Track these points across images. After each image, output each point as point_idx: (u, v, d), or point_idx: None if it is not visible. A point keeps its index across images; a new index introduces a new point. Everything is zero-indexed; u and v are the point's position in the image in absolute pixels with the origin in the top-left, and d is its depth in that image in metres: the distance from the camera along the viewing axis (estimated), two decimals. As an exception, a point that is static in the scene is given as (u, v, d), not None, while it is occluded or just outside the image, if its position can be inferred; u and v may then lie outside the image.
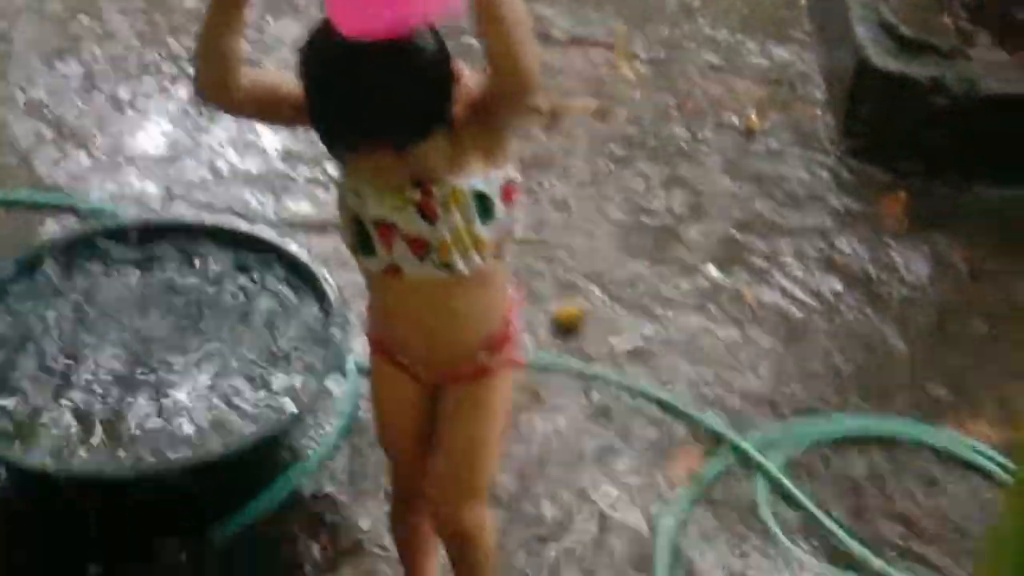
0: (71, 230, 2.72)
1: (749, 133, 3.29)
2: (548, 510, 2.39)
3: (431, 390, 1.91)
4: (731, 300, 2.82)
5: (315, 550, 2.23)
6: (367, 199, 1.72)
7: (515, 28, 1.58)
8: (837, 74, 3.33)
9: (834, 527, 2.34)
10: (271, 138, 3.26)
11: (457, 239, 1.70)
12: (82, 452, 2.24)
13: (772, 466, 2.45)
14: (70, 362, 2.37)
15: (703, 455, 2.50)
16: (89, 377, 2.35)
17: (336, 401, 2.45)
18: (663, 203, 3.07)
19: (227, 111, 1.82)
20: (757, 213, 3.03)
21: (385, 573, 2.19)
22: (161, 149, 3.26)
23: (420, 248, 1.71)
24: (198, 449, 2.21)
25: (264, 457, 2.32)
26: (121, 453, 2.24)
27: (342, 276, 2.36)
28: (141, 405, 2.31)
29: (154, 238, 2.59)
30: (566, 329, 2.73)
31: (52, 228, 2.90)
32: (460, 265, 1.71)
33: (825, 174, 3.15)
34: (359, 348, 2.30)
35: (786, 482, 2.42)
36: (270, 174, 3.12)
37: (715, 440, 2.52)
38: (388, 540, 2.13)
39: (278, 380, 2.29)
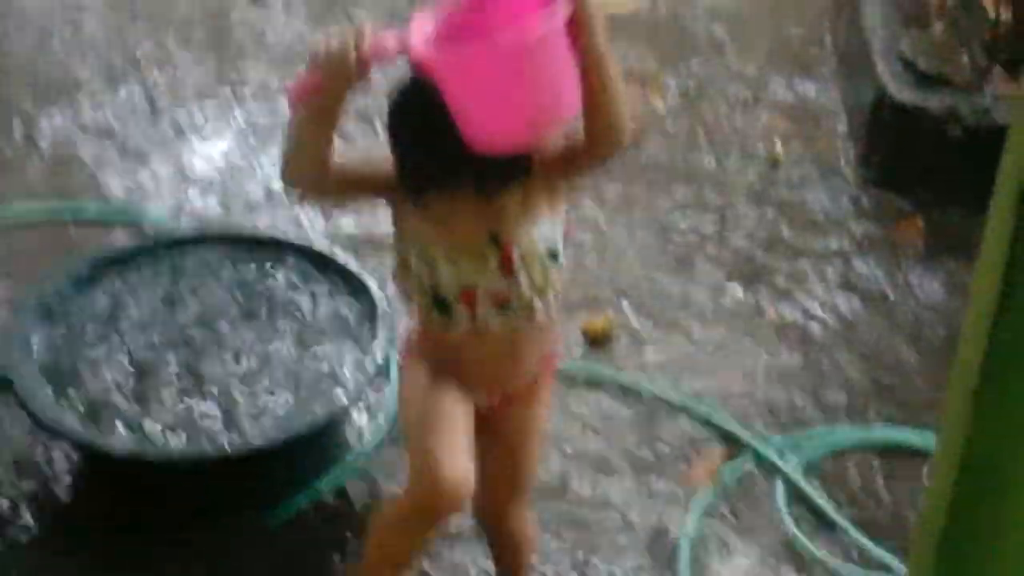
0: (138, 240, 2.77)
1: (774, 163, 3.31)
2: (576, 508, 2.40)
3: (476, 412, 1.88)
4: (754, 316, 2.84)
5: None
6: (441, 268, 1.72)
7: (617, 86, 1.60)
8: (858, 107, 3.34)
9: (851, 528, 2.35)
10: None
11: (534, 287, 1.72)
12: (150, 437, 2.25)
13: (790, 470, 2.44)
14: (142, 356, 2.38)
15: (726, 455, 2.50)
16: (160, 369, 2.36)
17: (386, 398, 2.47)
18: (686, 224, 3.10)
19: (315, 201, 1.87)
20: (780, 237, 3.06)
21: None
22: (218, 169, 3.29)
23: (502, 302, 1.73)
24: (254, 437, 2.22)
25: (316, 447, 2.32)
26: (184, 439, 2.24)
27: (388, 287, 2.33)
28: (206, 398, 2.32)
29: (209, 247, 2.60)
30: (596, 341, 2.75)
31: (120, 239, 2.93)
32: (540, 309, 1.74)
33: (845, 201, 3.16)
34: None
35: (804, 485, 2.43)
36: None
37: (737, 445, 2.51)
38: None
39: (328, 377, 2.31)
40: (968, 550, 0.99)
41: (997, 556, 0.97)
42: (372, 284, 2.45)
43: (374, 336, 2.35)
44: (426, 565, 2.21)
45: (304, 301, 2.50)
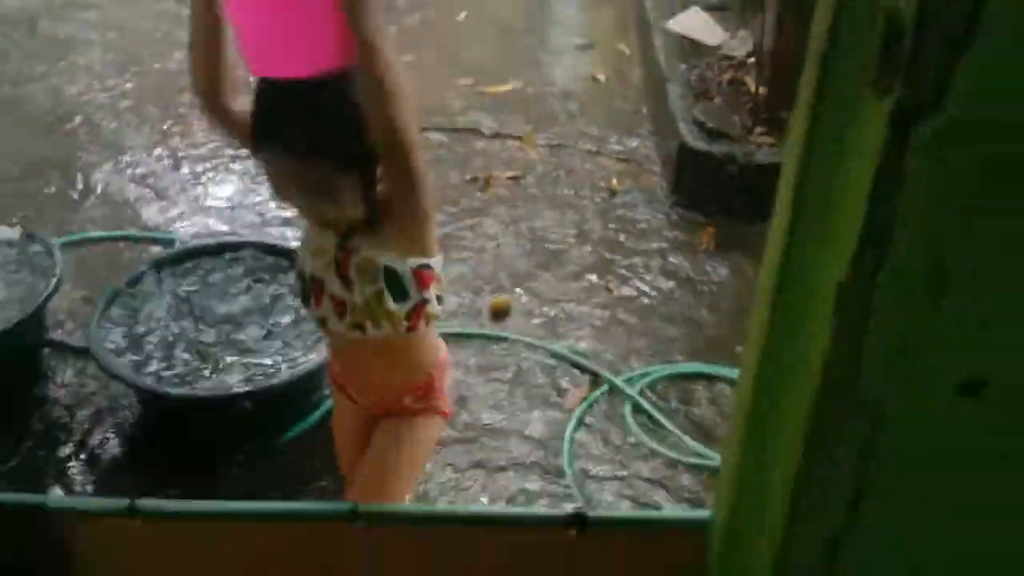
0: (170, 251, 2.72)
1: (612, 193, 3.34)
2: (488, 426, 2.40)
3: (370, 419, 1.63)
4: (605, 294, 2.87)
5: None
6: (307, 256, 1.48)
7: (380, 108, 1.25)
8: (668, 154, 3.38)
9: (674, 429, 2.38)
10: None
11: (367, 307, 1.41)
12: (189, 384, 2.22)
13: (634, 393, 2.49)
14: (181, 330, 2.35)
15: (591, 387, 2.53)
16: (194, 337, 2.34)
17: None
18: (556, 235, 3.13)
19: (221, 128, 1.43)
20: (619, 241, 3.09)
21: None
22: (224, 203, 3.26)
23: (340, 308, 1.44)
24: (267, 384, 2.17)
25: (308, 390, 2.31)
26: (214, 386, 2.21)
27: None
28: (232, 357, 2.29)
29: (224, 253, 2.56)
30: (499, 315, 2.77)
31: (156, 253, 2.91)
32: (371, 330, 1.43)
33: (661, 217, 3.21)
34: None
35: (642, 403, 2.46)
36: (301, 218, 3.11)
37: (596, 379, 2.55)
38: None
39: (318, 340, 2.22)
40: (760, 430, 0.98)
41: (778, 428, 0.95)
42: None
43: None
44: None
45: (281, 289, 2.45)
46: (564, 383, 2.56)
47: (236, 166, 3.44)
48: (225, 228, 3.10)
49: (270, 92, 1.30)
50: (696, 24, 3.81)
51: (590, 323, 2.76)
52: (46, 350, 2.54)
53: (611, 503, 2.20)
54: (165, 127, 3.66)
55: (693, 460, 2.32)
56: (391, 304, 1.40)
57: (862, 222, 0.74)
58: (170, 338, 2.35)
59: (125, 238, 3.05)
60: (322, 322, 1.50)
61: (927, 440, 0.88)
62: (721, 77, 3.50)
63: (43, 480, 2.21)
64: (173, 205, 3.24)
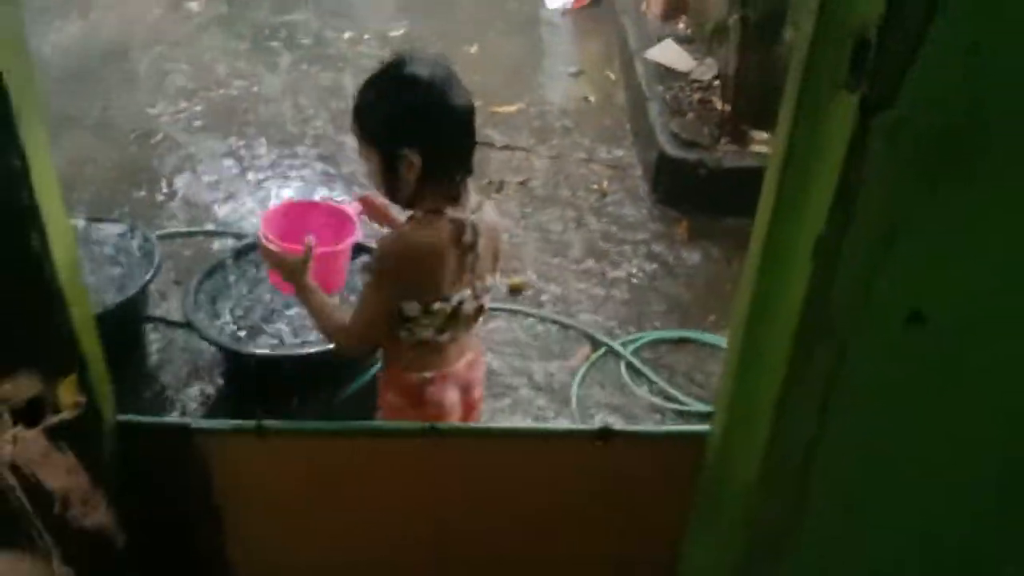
0: (238, 245, 2.73)
1: (603, 194, 3.37)
2: (506, 379, 2.46)
3: None
4: (601, 276, 2.92)
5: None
6: None
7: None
8: (648, 161, 3.40)
9: (661, 382, 2.44)
10: (342, 199, 3.26)
11: None
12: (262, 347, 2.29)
13: (628, 354, 2.55)
14: (255, 304, 2.42)
15: (592, 350, 2.59)
16: (264, 310, 2.41)
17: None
18: (559, 228, 3.16)
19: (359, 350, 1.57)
20: (611, 232, 3.14)
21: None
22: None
23: None
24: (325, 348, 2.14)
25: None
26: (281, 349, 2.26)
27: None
28: (293, 328, 2.38)
29: None
30: (515, 291, 2.82)
31: (229, 243, 2.96)
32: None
33: (644, 213, 3.24)
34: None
35: (635, 361, 2.52)
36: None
37: (596, 343, 2.60)
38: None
39: None
40: (750, 357, 1.04)
41: (765, 354, 1.01)
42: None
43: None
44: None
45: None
46: (570, 346, 2.61)
47: (293, 173, 3.48)
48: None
49: None
50: (670, 54, 3.87)
51: (589, 298, 2.80)
52: (147, 325, 2.61)
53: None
54: (231, 142, 3.69)
55: (674, 406, 2.38)
56: None
57: (835, 187, 0.83)
58: (246, 311, 2.43)
59: (204, 233, 3.10)
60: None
61: (880, 361, 0.96)
62: (692, 97, 3.54)
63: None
64: (242, 205, 3.28)
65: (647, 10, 4.42)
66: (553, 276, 2.93)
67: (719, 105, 3.40)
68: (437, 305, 1.38)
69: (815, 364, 0.97)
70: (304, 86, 4.17)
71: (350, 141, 3.58)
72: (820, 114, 0.84)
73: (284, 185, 3.43)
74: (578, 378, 2.47)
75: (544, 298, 2.83)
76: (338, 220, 1.62)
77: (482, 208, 1.41)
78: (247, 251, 2.59)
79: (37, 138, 1.00)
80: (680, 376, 2.50)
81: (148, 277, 2.42)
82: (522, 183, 3.45)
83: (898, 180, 0.81)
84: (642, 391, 2.44)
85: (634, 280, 2.92)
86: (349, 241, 1.55)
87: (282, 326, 2.42)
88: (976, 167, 0.79)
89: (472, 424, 1.53)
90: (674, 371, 2.52)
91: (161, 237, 2.91)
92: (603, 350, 2.57)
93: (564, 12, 5.05)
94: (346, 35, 4.69)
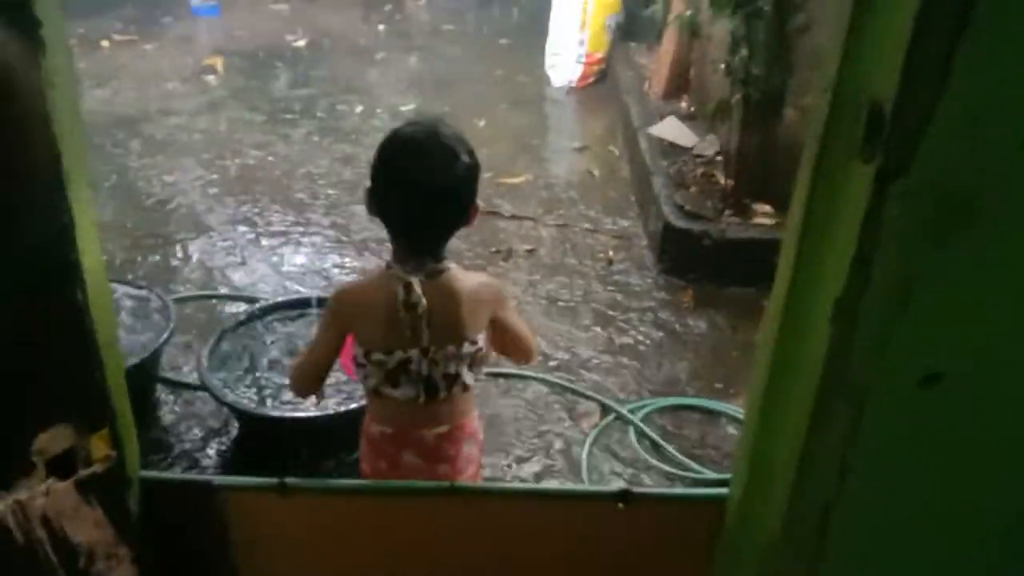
0: (252, 308, 2.74)
1: (609, 263, 3.40)
2: (520, 442, 2.45)
3: None
4: (608, 343, 2.93)
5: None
6: None
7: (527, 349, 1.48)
8: (654, 231, 3.44)
9: (671, 449, 2.43)
10: (352, 264, 3.34)
11: None
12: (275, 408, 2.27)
13: (636, 420, 2.54)
14: (267, 368, 2.43)
15: (601, 416, 2.58)
16: (275, 374, 2.39)
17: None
18: (567, 296, 3.19)
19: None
20: (617, 301, 3.16)
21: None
22: (297, 269, 3.32)
23: None
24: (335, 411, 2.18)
25: None
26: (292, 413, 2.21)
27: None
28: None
29: (298, 308, 2.61)
30: None
31: (242, 307, 2.90)
32: None
33: (650, 282, 3.27)
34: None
35: (643, 427, 2.51)
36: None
37: (606, 409, 2.59)
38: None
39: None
40: (769, 419, 1.06)
41: (785, 417, 1.03)
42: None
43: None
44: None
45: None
46: (579, 411, 2.61)
47: (305, 240, 3.53)
48: (299, 288, 3.19)
49: None
50: (673, 130, 3.97)
51: (597, 365, 2.81)
52: (158, 385, 2.62)
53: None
54: (244, 209, 3.76)
55: (684, 473, 2.36)
56: None
57: (854, 252, 0.86)
58: (260, 374, 2.43)
59: (218, 296, 3.13)
60: None
61: (897, 422, 0.97)
62: (695, 171, 3.61)
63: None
64: (254, 271, 3.32)
65: (649, 90, 4.57)
66: (560, 343, 2.94)
67: (722, 179, 3.47)
68: (376, 355, 1.40)
69: (834, 424, 0.98)
70: (317, 156, 4.26)
71: (361, 209, 3.65)
72: (836, 183, 0.87)
73: (295, 251, 3.48)
74: (588, 442, 2.45)
75: (551, 364, 2.84)
76: None
77: (445, 274, 1.38)
78: (261, 315, 2.62)
79: (83, 199, 1.04)
80: (687, 442, 2.49)
81: (164, 338, 2.44)
82: (530, 251, 3.50)
83: (910, 241, 0.84)
84: (652, 458, 2.43)
85: (641, 347, 2.93)
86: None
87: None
88: (981, 226, 0.83)
89: (494, 484, 1.53)
90: (682, 438, 2.51)
91: (176, 301, 2.93)
92: (612, 416, 2.56)
93: (569, 90, 5.21)
94: (358, 109, 4.83)
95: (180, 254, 3.43)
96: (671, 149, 3.83)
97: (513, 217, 3.73)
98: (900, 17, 0.77)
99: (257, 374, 2.43)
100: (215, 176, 4.04)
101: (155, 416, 2.55)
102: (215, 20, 6.30)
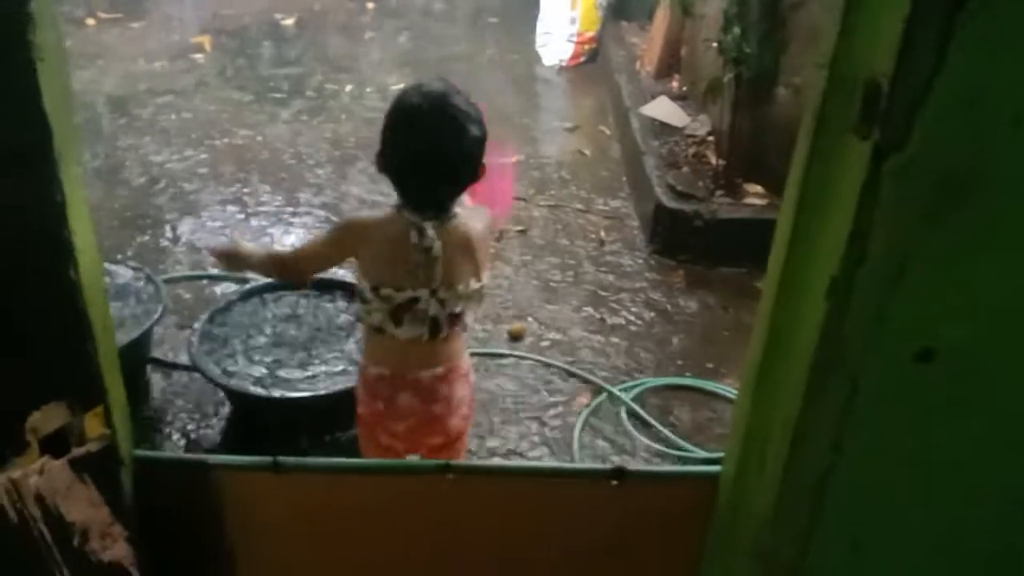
0: (242, 288, 2.70)
1: (601, 243, 3.40)
2: (514, 417, 2.45)
3: None
4: (600, 323, 2.94)
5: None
6: None
7: None
8: (645, 211, 3.44)
9: (660, 427, 2.44)
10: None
11: None
12: (266, 388, 2.25)
13: (627, 399, 2.56)
14: (257, 348, 2.40)
15: (592, 395, 2.60)
16: (267, 355, 2.38)
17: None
18: (559, 277, 3.19)
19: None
20: (609, 281, 3.16)
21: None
22: (287, 249, 3.31)
23: None
24: (329, 390, 2.20)
25: None
26: (284, 391, 2.24)
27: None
28: (294, 368, 2.33)
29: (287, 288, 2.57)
30: (515, 338, 2.83)
31: (231, 287, 2.85)
32: None
33: (641, 262, 3.27)
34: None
35: (634, 406, 2.53)
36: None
37: (597, 389, 2.61)
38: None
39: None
40: (763, 395, 1.07)
41: (779, 391, 1.02)
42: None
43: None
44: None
45: (348, 316, 2.48)
46: (570, 391, 2.61)
47: (296, 220, 3.52)
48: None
49: None
50: (665, 110, 3.95)
51: (589, 345, 2.81)
52: (148, 366, 2.61)
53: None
54: (234, 189, 3.72)
55: (675, 452, 2.38)
56: None
57: (849, 228, 0.86)
58: (251, 353, 2.42)
59: (208, 277, 3.10)
60: None
61: (890, 398, 0.98)
62: (687, 151, 3.60)
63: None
64: (245, 251, 3.29)
65: (641, 69, 4.55)
66: (552, 323, 2.95)
67: (713, 159, 3.46)
68: (385, 291, 1.44)
69: (828, 399, 0.98)
70: (307, 136, 4.23)
71: (353, 189, 3.67)
72: (832, 159, 0.87)
73: (285, 231, 3.46)
74: (579, 422, 2.46)
75: (543, 344, 2.84)
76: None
77: (454, 220, 1.44)
78: (251, 294, 2.61)
79: (74, 176, 1.03)
80: (678, 421, 2.50)
81: (155, 318, 2.43)
82: (521, 231, 3.49)
83: (906, 218, 0.84)
84: (643, 436, 2.44)
85: (632, 327, 2.93)
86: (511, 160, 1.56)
87: (293, 369, 2.39)
88: (977, 203, 0.83)
89: (488, 463, 1.54)
90: (672, 417, 2.53)
91: (166, 281, 2.92)
92: (603, 395, 2.56)
93: (560, 69, 5.18)
94: (348, 88, 4.78)
95: (170, 234, 3.40)
96: (663, 129, 3.83)
97: (505, 197, 3.72)
98: (898, -8, 0.76)
99: (249, 354, 2.42)
100: (204, 156, 4.01)
101: (147, 396, 2.54)
102: (202, -2, 6.22)
